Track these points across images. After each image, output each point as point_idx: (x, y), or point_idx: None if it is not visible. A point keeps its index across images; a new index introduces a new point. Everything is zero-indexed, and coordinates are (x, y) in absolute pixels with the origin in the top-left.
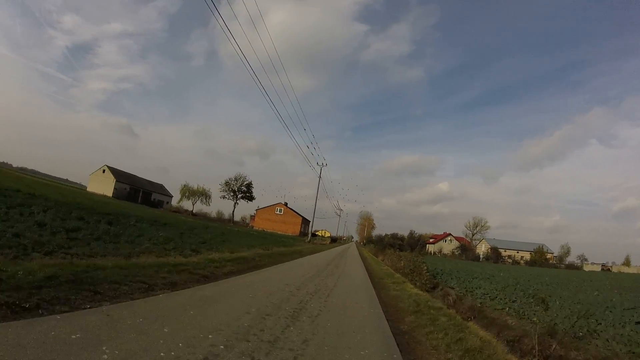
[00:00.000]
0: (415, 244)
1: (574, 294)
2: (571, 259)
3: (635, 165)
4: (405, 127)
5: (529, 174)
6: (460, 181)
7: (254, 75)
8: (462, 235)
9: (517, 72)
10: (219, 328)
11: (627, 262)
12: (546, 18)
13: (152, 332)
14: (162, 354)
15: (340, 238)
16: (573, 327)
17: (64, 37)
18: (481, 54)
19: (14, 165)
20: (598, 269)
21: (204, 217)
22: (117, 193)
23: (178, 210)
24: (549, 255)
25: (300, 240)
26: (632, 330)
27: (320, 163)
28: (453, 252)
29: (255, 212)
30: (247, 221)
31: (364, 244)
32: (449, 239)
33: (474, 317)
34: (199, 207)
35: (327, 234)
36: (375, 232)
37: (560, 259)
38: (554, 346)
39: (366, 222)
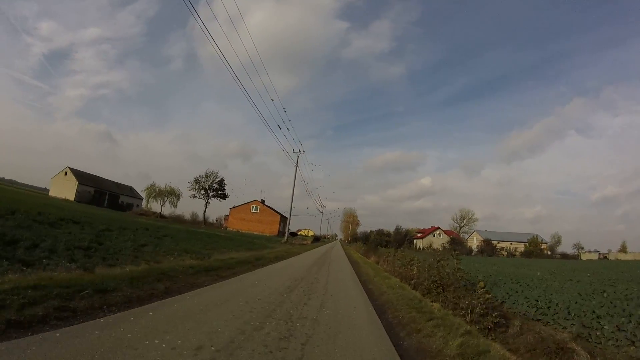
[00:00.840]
0: (402, 239)
1: None
2: (562, 248)
3: (613, 155)
4: (387, 125)
5: (510, 166)
6: (442, 176)
7: (235, 76)
8: (449, 229)
9: (497, 66)
10: None
11: (623, 249)
12: (525, 12)
13: None
14: None
15: (325, 237)
16: None
17: (41, 43)
18: (461, 49)
19: None
20: (595, 257)
21: (176, 219)
22: (79, 196)
23: (145, 213)
24: (543, 246)
25: (276, 240)
26: None
27: (298, 150)
28: (444, 247)
29: (229, 211)
30: (223, 222)
31: (349, 242)
32: (438, 232)
33: None
34: (173, 208)
35: (311, 233)
36: (360, 229)
37: (551, 248)
38: None
39: (350, 219)
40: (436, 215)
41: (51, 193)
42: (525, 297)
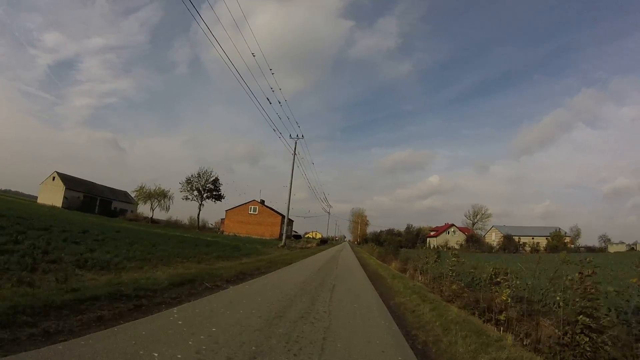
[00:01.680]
0: (414, 238)
1: None
2: (583, 241)
3: (622, 145)
4: (396, 124)
5: (519, 162)
6: (452, 174)
7: (240, 78)
8: (463, 226)
9: (505, 61)
10: None
11: None
12: (531, 5)
13: None
14: None
15: (333, 238)
16: None
17: (46, 55)
18: (468, 46)
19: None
20: (623, 249)
21: (174, 224)
22: (67, 202)
23: (136, 219)
24: (567, 239)
25: (275, 244)
26: None
27: (296, 135)
28: (461, 245)
29: (225, 213)
30: (220, 226)
31: (359, 244)
32: (453, 230)
33: None
34: (166, 212)
35: (319, 236)
36: (369, 230)
37: (572, 242)
38: None
39: (359, 219)
40: (447, 213)
41: (40, 200)
42: None
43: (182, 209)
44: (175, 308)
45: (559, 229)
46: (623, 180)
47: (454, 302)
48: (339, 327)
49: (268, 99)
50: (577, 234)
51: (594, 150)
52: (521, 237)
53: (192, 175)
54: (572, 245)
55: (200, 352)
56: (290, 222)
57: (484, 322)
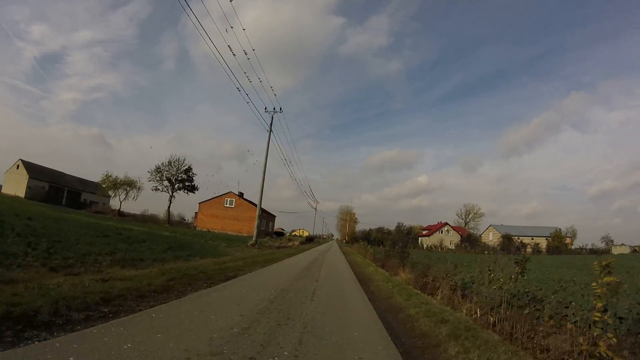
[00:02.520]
0: (405, 238)
1: None
2: (578, 242)
3: (609, 149)
4: (385, 123)
5: (507, 162)
6: (440, 173)
7: (230, 73)
8: (455, 225)
9: (494, 62)
10: None
11: None
12: (520, 6)
13: None
14: None
15: (320, 236)
16: None
17: (33, 47)
18: (457, 45)
19: None
20: (626, 250)
21: (150, 218)
22: (30, 192)
23: (102, 211)
24: (567, 240)
25: (246, 242)
26: None
27: (273, 108)
28: (461, 245)
29: (198, 207)
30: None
31: (347, 242)
32: (446, 229)
33: None
34: (147, 206)
35: (306, 233)
36: (358, 228)
37: (571, 242)
38: None
39: (347, 217)
40: (434, 212)
41: (4, 190)
42: None
43: (160, 203)
44: None
45: (559, 229)
46: (609, 183)
47: None
48: None
49: (230, 48)
50: (573, 235)
51: (582, 152)
52: (520, 238)
53: (162, 164)
54: (572, 247)
55: None
56: (272, 217)
57: None
